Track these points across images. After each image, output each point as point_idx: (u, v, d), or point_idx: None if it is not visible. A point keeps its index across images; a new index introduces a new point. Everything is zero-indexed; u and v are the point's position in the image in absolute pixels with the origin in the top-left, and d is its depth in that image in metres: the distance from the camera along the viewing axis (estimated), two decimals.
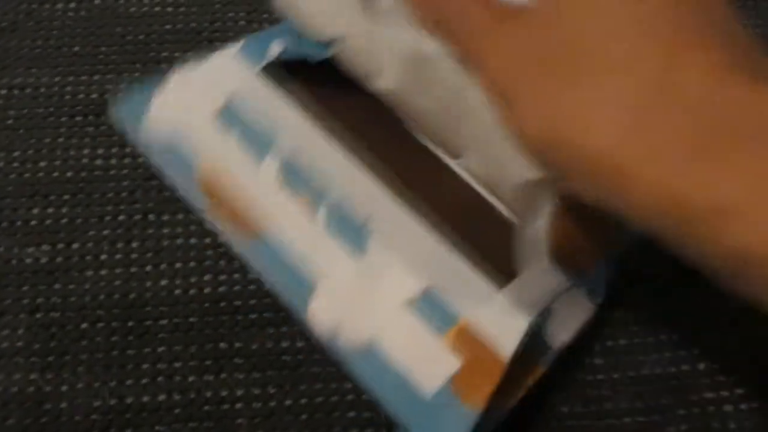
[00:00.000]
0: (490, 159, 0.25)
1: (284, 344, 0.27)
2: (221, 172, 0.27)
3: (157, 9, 0.34)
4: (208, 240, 0.29)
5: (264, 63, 0.28)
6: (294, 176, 0.26)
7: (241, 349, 0.27)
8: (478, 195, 0.26)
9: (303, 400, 0.26)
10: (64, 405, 0.26)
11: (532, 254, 0.24)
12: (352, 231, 0.25)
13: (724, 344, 0.27)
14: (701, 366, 0.27)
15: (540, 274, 0.24)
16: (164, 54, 0.33)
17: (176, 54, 0.33)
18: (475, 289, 0.24)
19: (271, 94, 0.28)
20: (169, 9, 0.34)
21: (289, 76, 0.28)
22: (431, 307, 0.24)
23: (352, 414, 0.26)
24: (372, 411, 0.25)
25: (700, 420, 0.26)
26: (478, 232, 0.25)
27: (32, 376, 0.26)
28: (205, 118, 0.28)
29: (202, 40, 0.33)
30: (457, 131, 0.25)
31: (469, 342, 0.23)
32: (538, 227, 0.23)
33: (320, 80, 0.28)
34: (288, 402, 0.26)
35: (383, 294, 0.24)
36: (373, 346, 0.24)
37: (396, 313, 0.24)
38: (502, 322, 0.23)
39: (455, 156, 0.27)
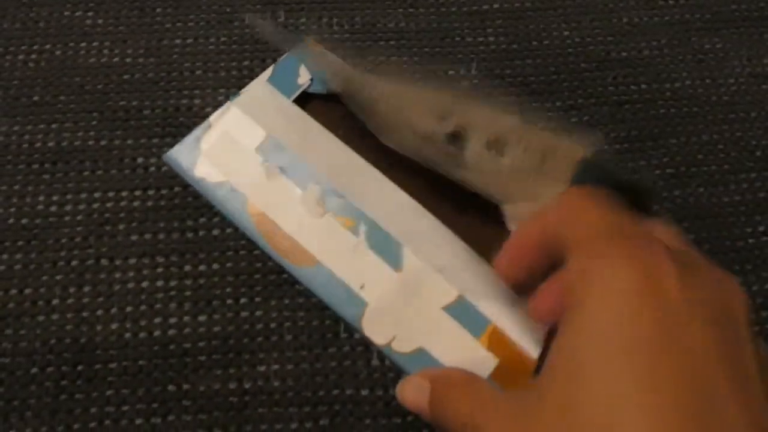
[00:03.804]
0: None
1: (231, 386, 0.27)
2: (270, 206, 0.30)
3: (115, 60, 0.35)
4: (159, 283, 0.29)
5: (296, 94, 0.32)
6: (335, 200, 0.29)
7: (188, 391, 0.27)
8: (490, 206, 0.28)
9: None
10: None
11: None
12: (388, 245, 0.28)
13: None
14: None
15: None
16: (122, 103, 0.34)
17: (134, 103, 0.34)
18: (499, 295, 0.27)
19: (305, 121, 0.31)
20: (128, 60, 0.35)
21: (316, 99, 0.32)
22: (465, 311, 0.27)
23: None
24: None
25: None
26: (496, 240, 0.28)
27: None
28: (250, 153, 0.31)
29: (159, 90, 0.34)
30: None
31: (501, 342, 0.26)
32: None
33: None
34: None
35: (424, 301, 0.27)
36: (422, 350, 0.27)
37: (437, 318, 0.27)
38: (526, 325, 0.26)
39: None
